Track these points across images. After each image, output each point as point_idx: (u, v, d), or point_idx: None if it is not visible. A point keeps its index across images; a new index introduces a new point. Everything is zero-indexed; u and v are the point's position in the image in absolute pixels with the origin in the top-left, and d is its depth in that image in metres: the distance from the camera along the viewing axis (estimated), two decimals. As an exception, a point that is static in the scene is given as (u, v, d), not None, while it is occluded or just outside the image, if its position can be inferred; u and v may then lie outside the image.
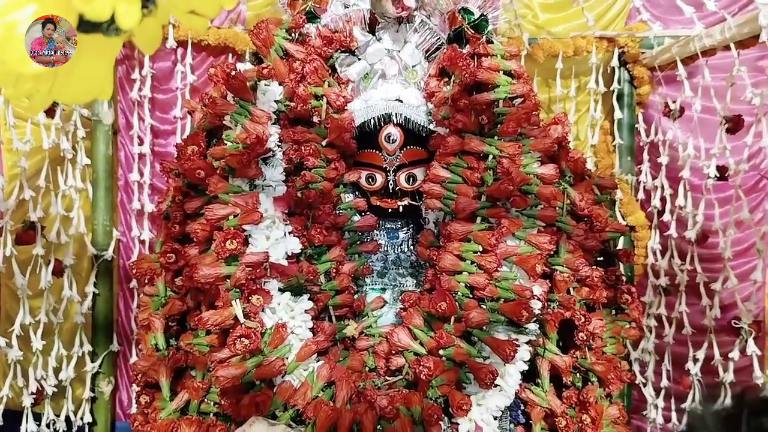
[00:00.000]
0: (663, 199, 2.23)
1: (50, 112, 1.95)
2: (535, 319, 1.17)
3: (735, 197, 1.98)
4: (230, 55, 2.21)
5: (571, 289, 1.30)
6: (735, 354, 1.95)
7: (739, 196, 1.94)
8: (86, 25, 0.33)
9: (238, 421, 1.12)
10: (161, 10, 0.35)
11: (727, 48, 1.89)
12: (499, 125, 1.25)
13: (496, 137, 1.26)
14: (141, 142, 2.20)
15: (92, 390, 2.11)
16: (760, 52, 2.07)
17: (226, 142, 1.21)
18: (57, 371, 1.99)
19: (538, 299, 1.19)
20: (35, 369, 1.91)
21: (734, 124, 1.96)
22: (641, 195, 2.32)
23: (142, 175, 2.20)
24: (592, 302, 1.34)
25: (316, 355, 1.15)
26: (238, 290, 1.10)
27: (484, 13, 1.31)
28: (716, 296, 2.04)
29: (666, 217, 2.19)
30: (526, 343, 1.19)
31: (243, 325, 1.06)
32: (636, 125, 2.33)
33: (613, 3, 2.32)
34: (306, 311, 1.18)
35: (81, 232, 2.07)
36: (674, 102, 2.16)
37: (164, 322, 1.26)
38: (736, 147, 2.00)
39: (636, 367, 2.31)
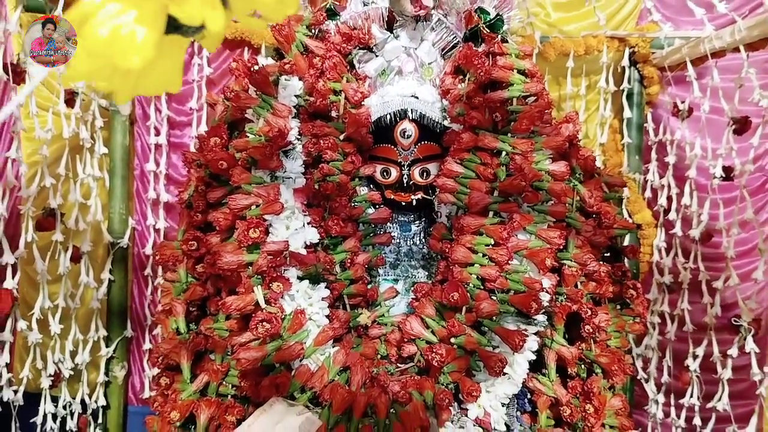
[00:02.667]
0: (669, 198, 2.27)
1: (70, 102, 2.01)
2: (543, 311, 1.21)
3: (740, 198, 2.02)
4: (246, 48, 2.25)
5: (578, 283, 1.34)
6: (734, 351, 2.00)
7: (744, 196, 1.98)
8: (171, 27, 0.37)
9: (256, 402, 1.17)
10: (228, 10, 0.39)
11: (736, 50, 1.92)
12: (512, 123, 1.30)
13: (509, 134, 1.30)
14: (158, 133, 2.25)
15: (106, 374, 2.17)
16: (769, 54, 2.10)
17: (248, 134, 1.26)
18: (73, 355, 2.05)
19: (547, 292, 1.23)
20: (53, 352, 1.97)
21: (741, 126, 2.00)
22: (648, 193, 2.36)
23: (158, 165, 2.25)
24: (598, 296, 1.39)
25: (332, 340, 1.20)
26: (259, 277, 1.15)
27: (500, 13, 1.35)
28: (717, 294, 2.09)
29: (672, 215, 2.24)
30: (535, 333, 1.24)
31: (264, 311, 1.11)
32: (645, 124, 2.37)
33: (624, 3, 2.35)
34: (323, 299, 1.23)
35: (98, 220, 2.13)
36: (683, 102, 2.20)
37: (185, 307, 1.31)
38: (743, 148, 2.04)
39: (639, 363, 2.36)
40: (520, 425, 1.29)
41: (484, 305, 1.19)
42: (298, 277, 1.21)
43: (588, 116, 2.42)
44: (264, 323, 1.08)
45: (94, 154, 2.13)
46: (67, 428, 2.03)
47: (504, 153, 1.29)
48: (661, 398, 2.33)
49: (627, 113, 2.34)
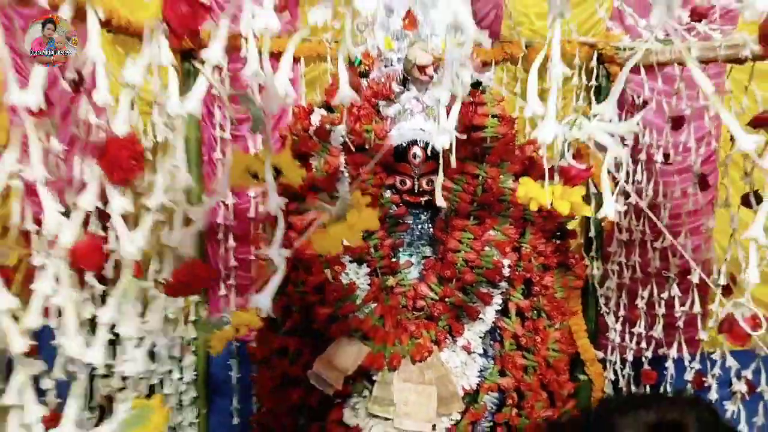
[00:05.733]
0: (627, 173, 2.99)
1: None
2: (505, 279, 2.00)
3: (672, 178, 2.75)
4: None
5: (531, 258, 2.11)
6: (665, 295, 2.79)
7: (674, 179, 2.71)
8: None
9: (326, 339, 1.98)
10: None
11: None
12: (486, 155, 2.02)
13: (485, 163, 2.03)
14: (222, 129, 2.98)
15: (195, 314, 3.01)
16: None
17: (314, 167, 2.00)
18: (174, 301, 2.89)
19: (508, 267, 2.01)
20: (165, 301, 2.80)
21: (676, 122, 2.69)
22: (612, 168, 3.07)
23: (224, 154, 2.99)
24: (546, 266, 2.15)
25: (372, 300, 2.00)
26: (326, 262, 1.93)
27: (480, 79, 2.04)
28: (657, 251, 2.86)
29: (628, 187, 2.96)
30: (500, 294, 2.03)
31: (332, 284, 1.90)
32: (611, 110, 3.05)
33: (594, 12, 2.98)
34: (366, 274, 2.01)
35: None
36: (639, 97, 2.87)
37: (274, 277, 2.09)
38: (678, 139, 2.74)
39: (602, 300, 3.17)
40: (492, 349, 2.10)
41: (467, 277, 1.98)
42: (350, 261, 2.00)
43: (564, 105, 3.10)
44: (333, 292, 1.88)
45: (176, 147, 2.87)
46: (174, 354, 2.90)
47: (481, 176, 2.03)
48: (618, 327, 3.13)
49: (594, 105, 3.00)
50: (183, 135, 2.78)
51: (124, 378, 2.45)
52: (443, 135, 1.06)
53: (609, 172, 2.83)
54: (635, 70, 2.88)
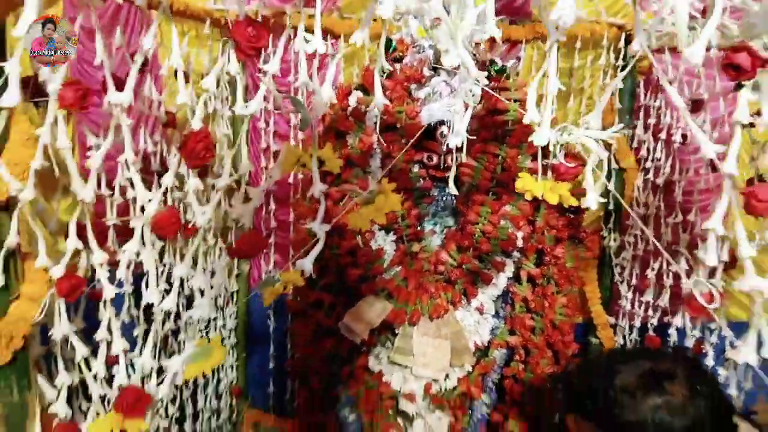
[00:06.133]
0: (648, 150, 3.17)
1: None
2: (517, 249, 2.24)
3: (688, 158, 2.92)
4: (329, 36, 3.15)
5: (544, 231, 2.34)
6: (673, 267, 2.99)
7: (689, 159, 2.88)
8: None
9: (357, 296, 2.27)
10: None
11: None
12: (507, 137, 2.24)
13: (504, 145, 2.25)
14: (266, 101, 3.23)
15: (237, 268, 3.34)
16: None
17: (349, 145, 2.25)
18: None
19: (522, 239, 2.25)
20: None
21: (695, 105, 2.85)
22: (635, 144, 3.26)
23: (267, 124, 3.26)
24: (558, 238, 2.39)
25: (397, 264, 2.27)
26: (358, 231, 2.20)
27: (505, 65, 2.24)
28: (669, 225, 3.05)
29: (648, 164, 3.14)
30: (513, 262, 2.28)
31: (362, 249, 2.18)
32: (637, 89, 3.21)
33: (622, -4, 3.12)
34: (393, 241, 2.28)
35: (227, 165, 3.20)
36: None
37: (312, 241, 2.38)
38: (695, 121, 2.89)
39: (617, 270, 3.39)
40: (503, 311, 2.37)
41: (483, 246, 2.24)
42: (379, 229, 2.27)
43: (592, 82, 3.27)
44: (363, 256, 2.15)
45: (224, 118, 3.15)
46: (219, 304, 3.25)
47: (500, 156, 2.26)
48: (629, 295, 3.37)
49: (620, 84, 3.17)
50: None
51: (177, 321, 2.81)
52: (456, 137, 1.30)
53: (632, 147, 3.02)
54: (661, 50, 3.03)
